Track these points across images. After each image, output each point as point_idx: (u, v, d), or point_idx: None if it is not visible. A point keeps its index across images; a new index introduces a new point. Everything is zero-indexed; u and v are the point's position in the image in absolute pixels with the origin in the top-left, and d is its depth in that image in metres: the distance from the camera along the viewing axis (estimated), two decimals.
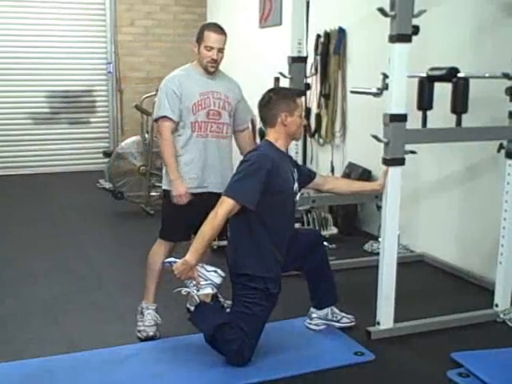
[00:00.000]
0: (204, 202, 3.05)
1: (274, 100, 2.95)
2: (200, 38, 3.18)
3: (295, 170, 3.09)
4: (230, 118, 3.29)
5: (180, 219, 3.18)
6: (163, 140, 3.17)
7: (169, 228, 3.26)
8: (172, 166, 3.15)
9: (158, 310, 3.27)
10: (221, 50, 3.16)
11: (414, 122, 3.24)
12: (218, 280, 2.91)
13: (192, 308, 3.33)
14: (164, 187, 3.28)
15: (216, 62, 3.18)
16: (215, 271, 2.91)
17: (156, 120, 3.24)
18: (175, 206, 3.17)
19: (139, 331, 3.17)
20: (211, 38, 3.14)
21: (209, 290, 2.89)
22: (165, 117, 3.15)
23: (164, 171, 3.27)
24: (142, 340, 3.15)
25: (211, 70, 3.19)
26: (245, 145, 3.42)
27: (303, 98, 3.18)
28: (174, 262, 2.84)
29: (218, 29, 3.18)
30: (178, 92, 3.14)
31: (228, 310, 3.03)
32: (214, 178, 3.22)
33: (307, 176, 3.24)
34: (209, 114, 3.19)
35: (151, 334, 3.15)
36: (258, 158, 2.84)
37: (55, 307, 3.63)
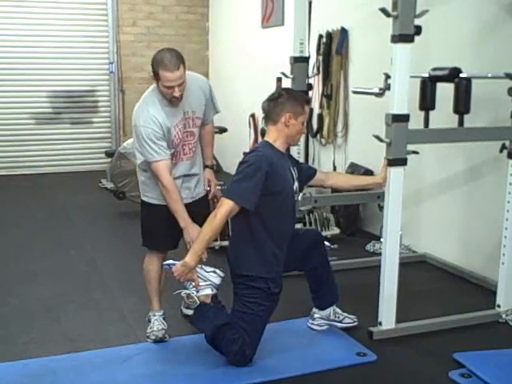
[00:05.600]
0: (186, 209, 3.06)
1: (284, 98, 2.93)
2: (157, 75, 2.92)
3: (295, 169, 3.08)
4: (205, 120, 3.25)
5: (161, 228, 3.15)
6: (165, 188, 2.99)
7: (151, 238, 3.22)
8: (180, 212, 3.01)
9: (165, 316, 3.25)
10: (181, 84, 2.93)
11: (416, 122, 3.24)
12: (217, 280, 2.92)
13: (186, 311, 3.35)
14: (143, 198, 3.23)
15: (180, 96, 2.98)
16: (214, 272, 2.92)
17: (149, 164, 3.05)
18: (155, 216, 3.16)
19: (148, 337, 3.17)
20: (167, 77, 2.88)
21: (208, 291, 2.89)
22: (157, 160, 2.98)
23: (141, 181, 3.21)
24: (152, 342, 3.15)
25: (177, 103, 3.01)
26: (204, 137, 3.33)
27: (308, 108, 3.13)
28: (173, 264, 2.84)
29: (172, 65, 2.88)
30: (160, 131, 2.96)
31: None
32: (200, 188, 3.28)
33: (307, 173, 3.24)
34: (183, 139, 3.10)
35: (160, 335, 3.15)
36: (256, 159, 2.83)
37: (57, 307, 3.63)
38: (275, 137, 2.96)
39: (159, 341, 3.14)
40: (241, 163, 2.89)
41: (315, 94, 5.56)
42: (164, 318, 3.24)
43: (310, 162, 5.66)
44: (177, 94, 2.94)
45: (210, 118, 3.35)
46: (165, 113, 3.01)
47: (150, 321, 3.23)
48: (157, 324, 3.19)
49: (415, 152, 3.11)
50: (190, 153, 3.18)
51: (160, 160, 2.98)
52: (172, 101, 3.00)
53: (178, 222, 3.03)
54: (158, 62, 2.91)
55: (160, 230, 3.18)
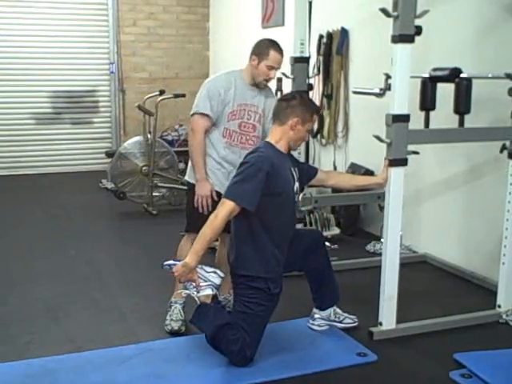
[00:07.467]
0: None
1: (297, 102, 2.95)
2: (263, 55, 3.18)
3: (296, 170, 3.08)
4: (263, 131, 3.32)
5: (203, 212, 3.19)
6: (194, 138, 3.19)
7: (193, 220, 3.24)
8: (199, 165, 3.19)
9: (185, 306, 3.30)
10: (277, 70, 3.25)
11: (416, 122, 3.24)
12: (217, 281, 2.92)
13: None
14: (188, 180, 3.30)
15: (270, 80, 3.25)
16: (214, 272, 2.92)
17: (192, 115, 3.23)
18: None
19: (166, 325, 3.24)
20: (276, 58, 3.19)
21: (209, 291, 2.89)
22: (202, 114, 3.16)
23: (190, 164, 3.30)
24: (168, 333, 3.21)
25: (262, 86, 3.25)
26: None
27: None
28: (174, 265, 2.84)
29: (281, 49, 3.23)
30: (223, 94, 3.16)
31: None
32: None
33: (308, 173, 3.23)
34: (241, 125, 3.22)
35: (176, 328, 3.20)
36: (257, 160, 2.83)
37: (57, 307, 3.63)
38: (278, 138, 2.96)
39: (175, 333, 3.19)
40: (242, 163, 2.90)
41: (315, 94, 5.55)
42: (183, 308, 3.29)
43: (311, 162, 5.66)
44: (273, 75, 3.21)
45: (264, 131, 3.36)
46: (236, 87, 3.20)
47: (170, 307, 3.29)
48: (176, 313, 3.26)
49: (415, 152, 3.11)
50: (246, 144, 3.24)
51: (201, 114, 3.16)
52: (262, 83, 3.21)
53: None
54: (270, 43, 3.23)
55: (200, 213, 3.19)
